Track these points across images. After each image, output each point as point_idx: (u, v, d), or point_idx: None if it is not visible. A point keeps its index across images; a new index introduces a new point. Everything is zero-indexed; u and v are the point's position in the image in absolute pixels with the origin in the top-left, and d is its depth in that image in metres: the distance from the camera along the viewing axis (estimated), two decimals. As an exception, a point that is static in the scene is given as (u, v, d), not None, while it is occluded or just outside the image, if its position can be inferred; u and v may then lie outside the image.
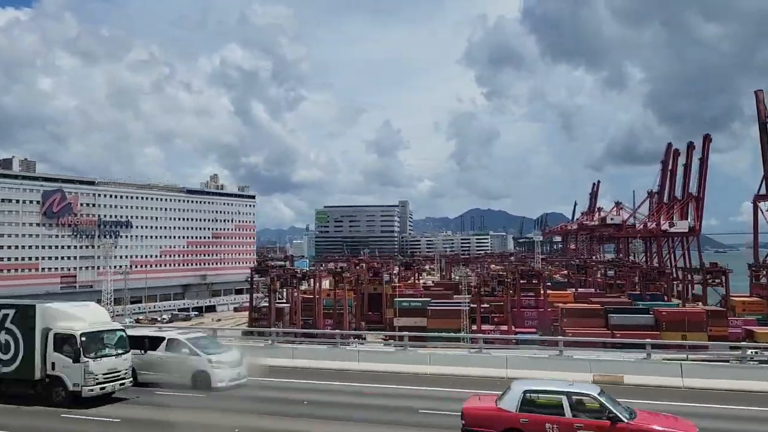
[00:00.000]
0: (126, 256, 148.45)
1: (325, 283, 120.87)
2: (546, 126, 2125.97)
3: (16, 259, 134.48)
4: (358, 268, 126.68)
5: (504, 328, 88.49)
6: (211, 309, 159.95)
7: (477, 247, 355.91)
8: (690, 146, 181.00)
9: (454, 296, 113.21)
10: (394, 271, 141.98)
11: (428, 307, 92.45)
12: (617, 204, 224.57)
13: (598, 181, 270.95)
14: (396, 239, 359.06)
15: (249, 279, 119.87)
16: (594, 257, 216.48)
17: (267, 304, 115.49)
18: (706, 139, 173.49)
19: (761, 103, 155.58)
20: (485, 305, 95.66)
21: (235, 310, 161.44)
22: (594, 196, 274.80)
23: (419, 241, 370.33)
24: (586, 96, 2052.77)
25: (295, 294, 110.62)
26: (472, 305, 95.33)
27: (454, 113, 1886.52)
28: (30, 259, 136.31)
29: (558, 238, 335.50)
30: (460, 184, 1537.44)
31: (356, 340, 41.63)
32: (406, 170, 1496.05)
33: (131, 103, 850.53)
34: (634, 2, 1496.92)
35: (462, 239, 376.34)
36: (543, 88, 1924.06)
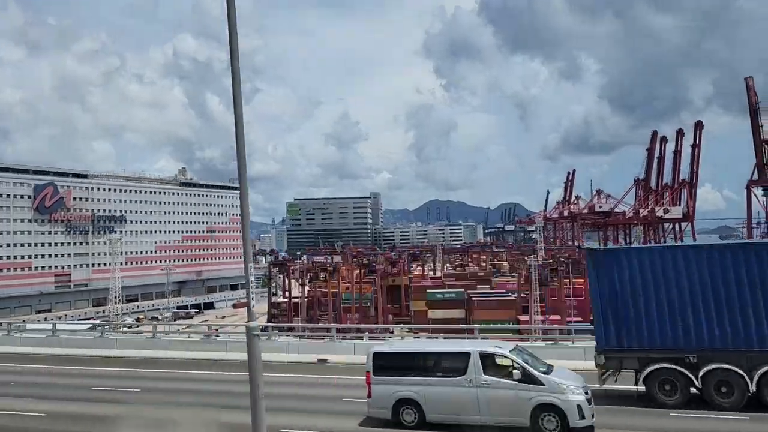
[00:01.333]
0: (121, 253, 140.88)
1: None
2: (503, 117, 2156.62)
3: (8, 257, 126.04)
4: (389, 259, 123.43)
5: (553, 317, 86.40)
6: (209, 306, 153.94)
7: (451, 237, 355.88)
8: (679, 132, 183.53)
9: (478, 286, 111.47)
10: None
11: (474, 299, 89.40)
12: (599, 192, 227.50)
13: (574, 170, 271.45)
14: (369, 231, 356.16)
15: (267, 273, 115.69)
16: (578, 245, 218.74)
17: (285, 300, 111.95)
18: (698, 126, 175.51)
19: (752, 89, 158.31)
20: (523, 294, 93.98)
21: (234, 306, 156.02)
22: (570, 184, 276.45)
23: (392, 232, 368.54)
24: (542, 87, 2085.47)
25: (323, 287, 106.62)
26: (518, 295, 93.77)
27: (412, 105, 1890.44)
28: (22, 257, 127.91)
29: (531, 228, 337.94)
30: (419, 176, 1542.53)
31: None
32: (365, 162, 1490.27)
33: (79, 95, 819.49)
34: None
35: (437, 230, 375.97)
36: (500, 80, 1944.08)
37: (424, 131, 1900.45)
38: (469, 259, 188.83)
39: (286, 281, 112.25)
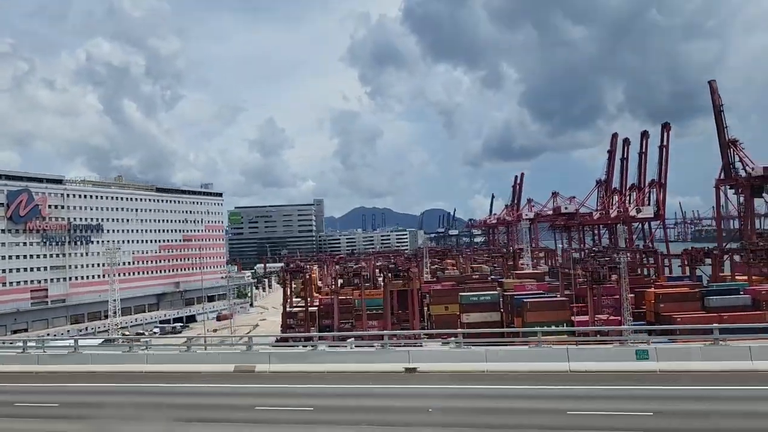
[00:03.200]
0: (98, 264, 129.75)
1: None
2: (427, 125, 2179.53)
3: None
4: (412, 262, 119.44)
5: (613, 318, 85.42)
6: (191, 319, 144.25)
7: (398, 243, 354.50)
8: (644, 135, 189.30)
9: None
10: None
11: (526, 300, 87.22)
12: (554, 194, 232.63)
13: (522, 174, 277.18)
14: (314, 239, 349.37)
15: (283, 279, 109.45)
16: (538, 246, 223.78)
17: (302, 309, 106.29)
18: (665, 127, 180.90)
19: (716, 92, 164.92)
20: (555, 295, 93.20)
21: (218, 318, 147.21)
22: (519, 188, 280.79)
23: (338, 239, 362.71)
24: (464, 95, 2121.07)
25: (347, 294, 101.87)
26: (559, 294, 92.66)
27: (337, 112, 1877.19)
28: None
29: (477, 231, 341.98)
30: (344, 183, 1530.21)
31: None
32: (291, 170, 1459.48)
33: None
34: (508, 4, 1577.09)
35: (382, 236, 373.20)
36: (424, 88, 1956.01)
37: (349, 138, 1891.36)
38: (446, 263, 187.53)
39: (307, 288, 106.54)
